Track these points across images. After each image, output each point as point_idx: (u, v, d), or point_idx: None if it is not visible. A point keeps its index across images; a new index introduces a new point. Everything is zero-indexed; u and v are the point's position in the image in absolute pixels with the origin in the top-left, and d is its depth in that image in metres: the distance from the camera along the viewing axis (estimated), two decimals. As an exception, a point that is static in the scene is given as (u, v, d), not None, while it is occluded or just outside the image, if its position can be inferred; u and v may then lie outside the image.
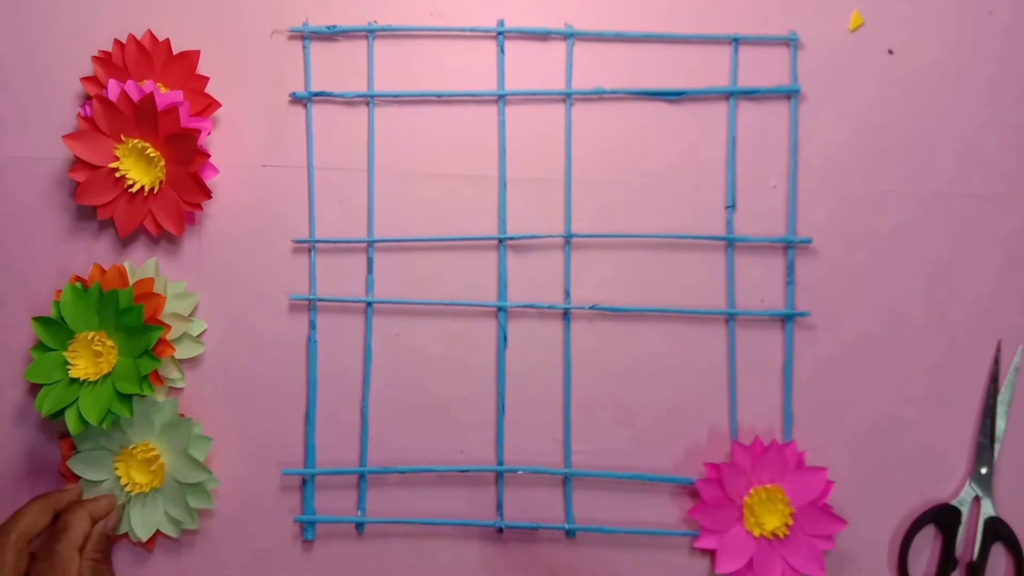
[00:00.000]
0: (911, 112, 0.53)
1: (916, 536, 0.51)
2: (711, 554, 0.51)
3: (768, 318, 0.52)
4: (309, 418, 0.52)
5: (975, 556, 0.51)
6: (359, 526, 0.52)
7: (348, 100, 0.53)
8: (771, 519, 0.50)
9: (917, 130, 0.53)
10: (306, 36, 0.53)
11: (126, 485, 0.50)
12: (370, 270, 0.52)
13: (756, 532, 0.50)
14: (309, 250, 0.52)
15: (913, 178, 0.53)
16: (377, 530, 0.51)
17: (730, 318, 0.52)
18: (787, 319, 0.52)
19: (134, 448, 0.50)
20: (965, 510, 0.51)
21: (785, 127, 0.53)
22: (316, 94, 0.52)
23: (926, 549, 0.52)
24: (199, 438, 0.50)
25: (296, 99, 0.53)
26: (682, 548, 0.51)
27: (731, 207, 0.53)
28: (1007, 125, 0.53)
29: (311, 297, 0.52)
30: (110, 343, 0.49)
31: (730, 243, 0.52)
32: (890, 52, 0.53)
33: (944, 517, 0.51)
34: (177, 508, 0.50)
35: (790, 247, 0.52)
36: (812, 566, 0.49)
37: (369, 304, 0.52)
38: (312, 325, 0.52)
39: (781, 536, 0.50)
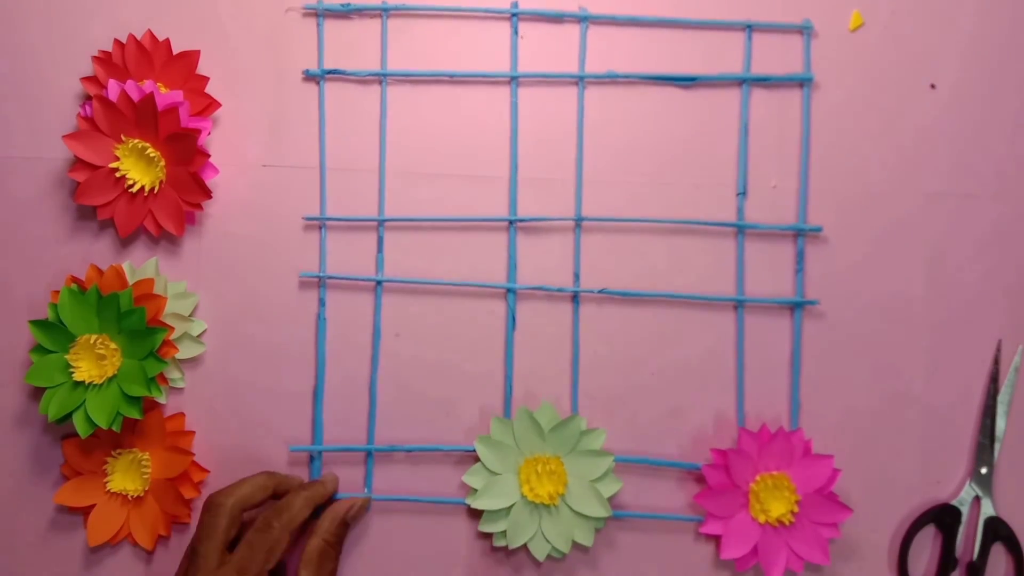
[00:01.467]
0: (925, 103, 0.53)
1: (916, 536, 0.51)
2: (716, 539, 0.51)
3: (777, 306, 0.52)
4: (317, 395, 0.52)
5: (975, 556, 0.51)
6: (365, 505, 0.52)
7: (361, 79, 0.52)
8: (777, 506, 0.50)
9: (930, 122, 0.53)
10: (320, 14, 0.53)
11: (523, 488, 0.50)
12: (380, 249, 0.52)
13: (762, 519, 0.50)
14: (319, 227, 0.52)
15: (917, 173, 0.52)
16: (384, 507, 0.51)
17: (739, 305, 0.52)
18: (796, 307, 0.52)
19: (539, 458, 0.50)
20: (965, 510, 0.51)
21: (798, 115, 0.53)
22: (329, 72, 0.52)
23: (926, 549, 0.52)
24: (611, 477, 0.50)
25: (309, 77, 0.52)
26: (688, 533, 0.51)
27: (742, 194, 0.53)
28: (1014, 123, 0.53)
29: (321, 275, 0.52)
30: (113, 346, 0.49)
31: (740, 230, 0.52)
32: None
33: (944, 517, 0.51)
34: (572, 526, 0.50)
35: (800, 235, 0.52)
36: (817, 554, 0.49)
37: (379, 283, 0.52)
38: (321, 303, 0.52)
39: (787, 523, 0.49)
